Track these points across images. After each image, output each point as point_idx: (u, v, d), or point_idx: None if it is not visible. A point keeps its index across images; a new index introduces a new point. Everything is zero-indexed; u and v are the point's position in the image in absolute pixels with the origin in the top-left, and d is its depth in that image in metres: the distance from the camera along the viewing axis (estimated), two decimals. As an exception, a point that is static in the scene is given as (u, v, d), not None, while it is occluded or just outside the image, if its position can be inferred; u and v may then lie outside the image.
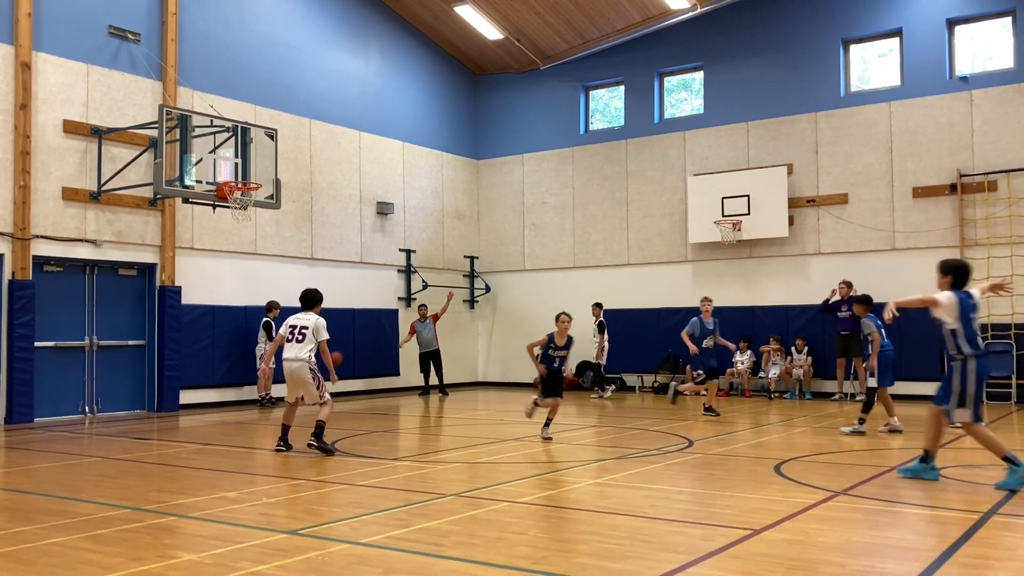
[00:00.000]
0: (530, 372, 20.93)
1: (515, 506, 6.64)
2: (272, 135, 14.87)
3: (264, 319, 16.42)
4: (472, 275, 22.07)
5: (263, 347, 15.90)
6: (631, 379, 19.81)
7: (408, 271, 20.24)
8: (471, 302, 22.06)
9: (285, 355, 9.67)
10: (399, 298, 20.13)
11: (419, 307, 19.22)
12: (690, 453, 9.51)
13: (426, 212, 21.01)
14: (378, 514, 6.34)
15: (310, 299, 9.98)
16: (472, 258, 22.10)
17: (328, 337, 9.77)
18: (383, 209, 19.66)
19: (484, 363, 22.33)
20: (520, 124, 21.89)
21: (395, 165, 20.24)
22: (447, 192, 21.62)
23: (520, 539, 5.57)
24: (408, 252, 20.30)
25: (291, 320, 9.84)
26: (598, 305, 18.64)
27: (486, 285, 22.05)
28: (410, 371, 19.83)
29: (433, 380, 19.11)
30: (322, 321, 9.76)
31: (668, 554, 5.11)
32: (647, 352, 19.35)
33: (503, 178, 22.13)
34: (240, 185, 14.07)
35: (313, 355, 9.69)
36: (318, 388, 9.67)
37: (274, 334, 14.50)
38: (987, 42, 16.75)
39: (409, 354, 19.65)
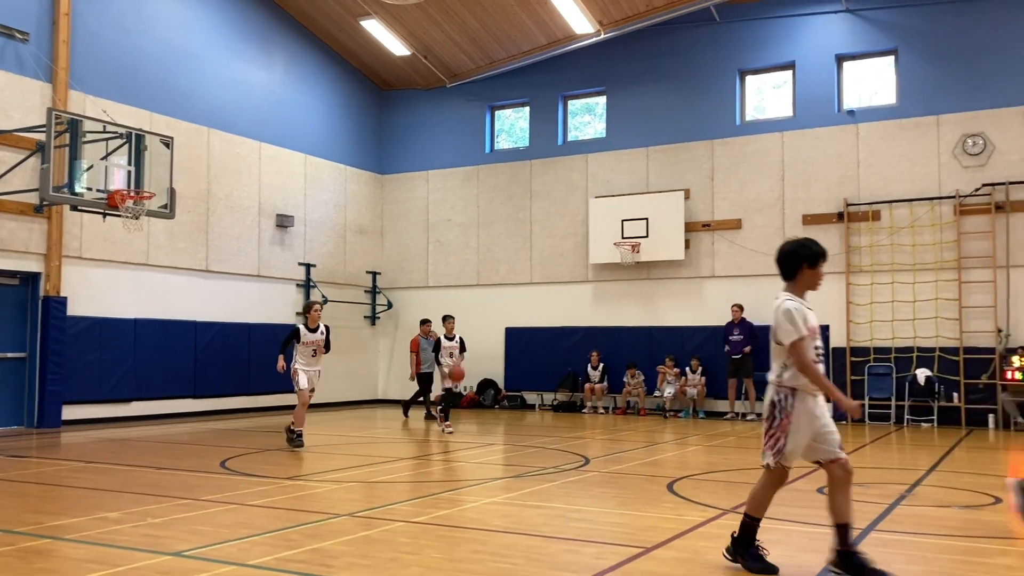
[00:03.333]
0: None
1: (410, 526, 6.57)
2: (168, 143, 14.41)
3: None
4: (374, 291, 21.85)
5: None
6: (531, 397, 19.92)
7: (308, 285, 19.89)
8: (372, 318, 21.83)
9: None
10: (297, 313, 19.72)
11: (424, 323, 17.22)
12: (586, 471, 9.61)
13: (328, 226, 20.73)
14: (267, 535, 6.18)
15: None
16: (374, 274, 21.89)
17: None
18: (283, 222, 19.30)
19: (384, 380, 22.10)
20: (426, 140, 21.87)
21: (296, 177, 19.92)
22: (350, 206, 21.39)
23: (413, 559, 5.51)
24: (308, 266, 19.97)
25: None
26: (449, 318, 14.97)
27: (388, 301, 21.87)
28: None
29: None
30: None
31: (561, 573, 5.14)
32: (548, 370, 19.51)
33: (408, 194, 22.04)
34: (133, 193, 13.57)
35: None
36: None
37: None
38: (872, 79, 17.64)
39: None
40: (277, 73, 19.60)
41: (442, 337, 14.33)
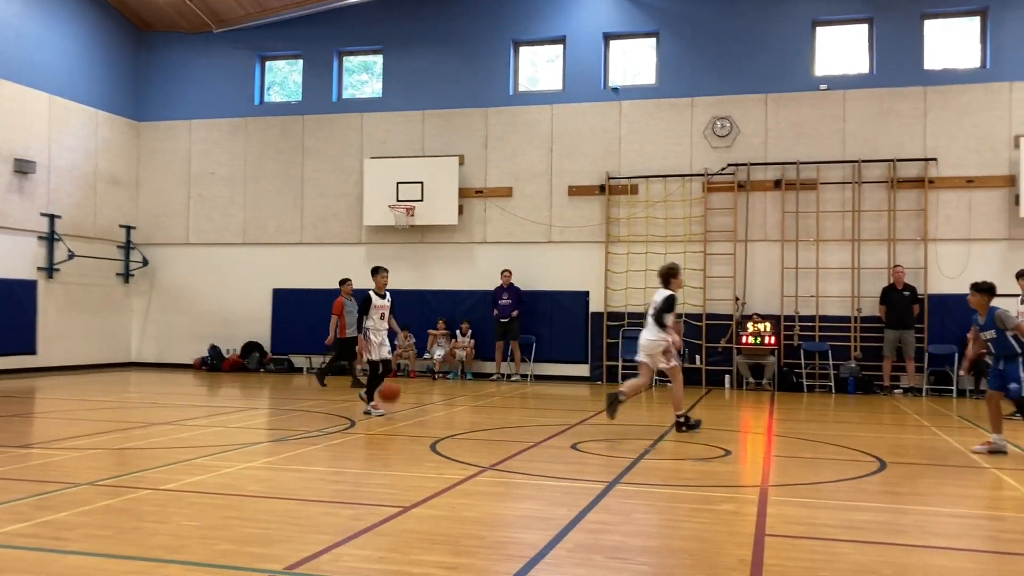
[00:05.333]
0: (189, 353, 19.89)
1: (158, 494, 6.23)
2: None
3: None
4: (128, 247, 20.38)
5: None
6: (299, 360, 19.48)
7: (51, 239, 18.20)
8: (126, 276, 20.38)
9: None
10: (39, 268, 18.06)
11: (345, 282, 16.09)
12: (351, 434, 9.55)
13: (76, 174, 19.03)
14: (-8, 509, 5.64)
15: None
16: (129, 228, 20.41)
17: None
18: (22, 167, 17.49)
19: (138, 342, 20.75)
20: (189, 88, 20.56)
21: (39, 119, 18.09)
22: (102, 154, 19.75)
23: (159, 528, 5.23)
24: (52, 217, 18.25)
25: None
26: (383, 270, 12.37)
27: (144, 258, 20.48)
28: (50, 349, 17.94)
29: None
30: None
31: (316, 536, 5.08)
32: (318, 334, 19.08)
33: (168, 144, 20.66)
34: None
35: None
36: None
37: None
38: (636, 59, 18.58)
39: (52, 327, 17.77)
40: (15, 2, 17.62)
41: (372, 294, 11.33)
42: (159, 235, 20.61)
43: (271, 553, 4.73)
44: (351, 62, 20.26)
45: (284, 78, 20.82)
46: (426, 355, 18.32)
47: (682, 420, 10.02)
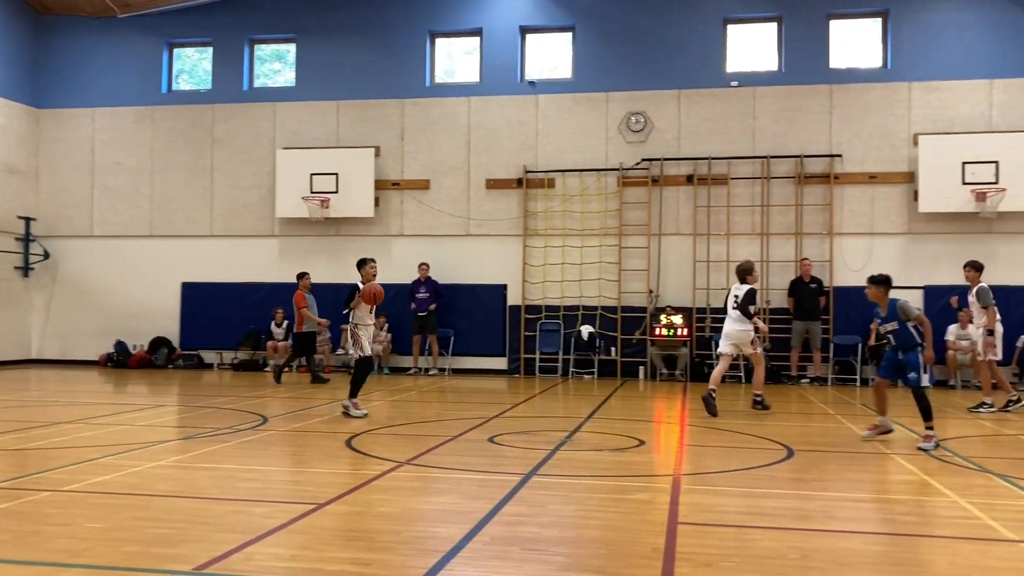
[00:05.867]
0: (93, 350, 19.19)
1: (59, 495, 5.99)
2: None
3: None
4: (27, 239, 19.53)
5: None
6: (210, 356, 18.99)
7: (-57, 230, 17.33)
8: (25, 269, 19.53)
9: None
10: (-69, 261, 17.17)
11: (303, 276, 15.75)
12: (263, 430, 9.36)
13: (-31, 163, 18.13)
14: None
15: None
16: (28, 219, 19.55)
17: None
18: (-90, 155, 16.59)
19: (39, 339, 19.92)
20: (93, 75, 19.79)
21: (-71, 105, 17.17)
22: (-2, 142, 18.86)
23: (60, 531, 5.03)
24: (-56, 208, 17.37)
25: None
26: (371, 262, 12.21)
27: (45, 251, 19.66)
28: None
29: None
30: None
31: (227, 535, 4.96)
32: (228, 328, 18.69)
33: (70, 132, 19.85)
34: None
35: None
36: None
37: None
38: (553, 53, 18.68)
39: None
40: (-98, -21, 16.68)
41: (363, 286, 10.61)
42: (61, 227, 19.81)
43: (179, 554, 4.60)
44: (263, 50, 19.81)
45: (193, 66, 20.23)
46: (339, 350, 18.08)
47: (759, 400, 11.41)
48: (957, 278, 13.41)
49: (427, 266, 17.58)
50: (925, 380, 8.54)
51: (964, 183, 15.99)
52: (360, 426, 9.76)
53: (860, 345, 16.22)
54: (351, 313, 10.68)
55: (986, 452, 8.52)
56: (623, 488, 6.53)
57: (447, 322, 17.89)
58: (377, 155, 18.41)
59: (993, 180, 15.89)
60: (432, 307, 17.35)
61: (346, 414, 10.45)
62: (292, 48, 19.41)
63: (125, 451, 7.83)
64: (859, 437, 9.16)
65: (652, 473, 7.37)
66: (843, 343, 16.54)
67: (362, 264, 10.95)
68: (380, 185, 18.38)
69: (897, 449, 8.41)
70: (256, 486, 6.60)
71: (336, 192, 18.18)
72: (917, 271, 16.18)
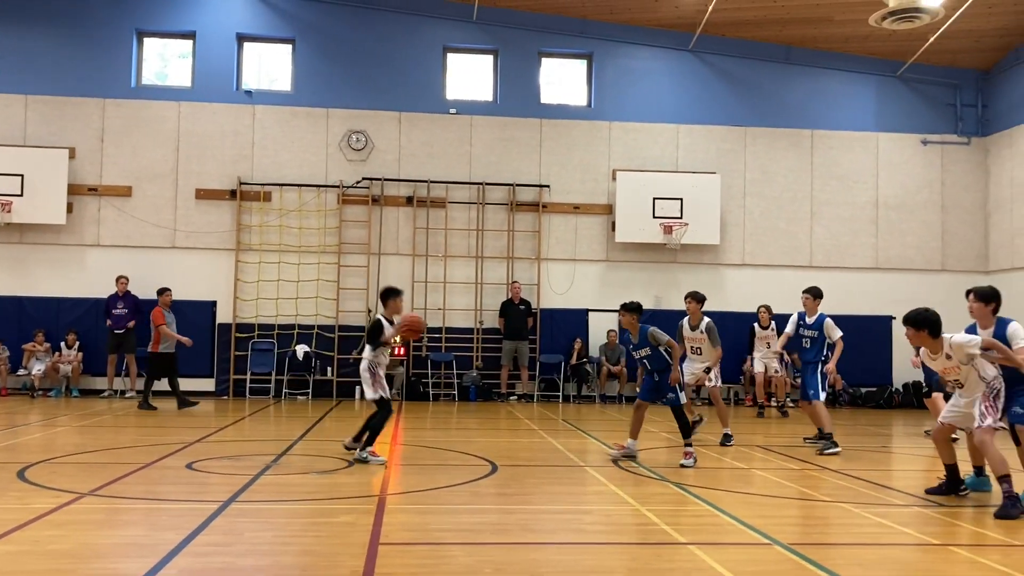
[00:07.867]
0: None
1: None
2: None
3: None
4: None
5: None
6: None
7: None
8: None
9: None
10: None
11: (164, 291, 14.54)
12: (-85, 463, 8.13)
13: None
14: None
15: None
16: None
17: None
18: None
19: None
20: None
21: None
22: None
23: None
24: None
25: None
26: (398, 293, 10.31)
27: None
28: None
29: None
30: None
31: None
32: None
33: None
34: None
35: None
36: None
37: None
38: (272, 63, 18.17)
39: None
40: None
41: (384, 320, 8.93)
42: None
43: None
44: (-66, 31, 17.46)
45: None
46: (21, 371, 16.24)
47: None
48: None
49: (126, 280, 16.30)
50: (683, 398, 9.12)
51: (654, 216, 17.58)
52: (37, 455, 8.79)
53: (563, 364, 17.24)
54: (372, 350, 8.98)
55: (668, 462, 9.33)
56: (327, 511, 6.40)
57: (147, 340, 16.61)
58: (72, 157, 16.85)
59: (678, 215, 17.61)
60: (131, 324, 16.10)
61: (360, 461, 8.74)
62: (-29, 31, 17.29)
63: None
64: (560, 451, 9.66)
65: (359, 494, 7.29)
66: (548, 361, 17.48)
67: (393, 295, 9.17)
68: (75, 190, 16.83)
69: (592, 462, 8.99)
70: None
71: (21, 195, 16.39)
72: (613, 296, 17.45)
